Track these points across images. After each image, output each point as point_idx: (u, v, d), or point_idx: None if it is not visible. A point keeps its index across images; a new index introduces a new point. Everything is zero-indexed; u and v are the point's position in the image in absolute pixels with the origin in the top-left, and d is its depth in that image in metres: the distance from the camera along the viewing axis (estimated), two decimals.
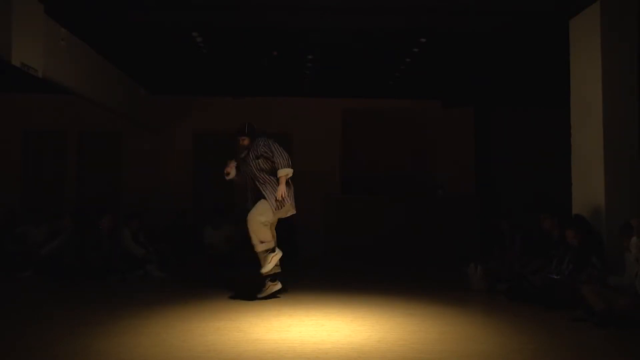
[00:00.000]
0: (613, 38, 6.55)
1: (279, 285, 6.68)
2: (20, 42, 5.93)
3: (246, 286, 6.77)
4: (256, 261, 6.66)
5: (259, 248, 6.55)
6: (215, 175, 11.79)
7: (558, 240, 6.79)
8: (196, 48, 8.64)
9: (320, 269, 9.68)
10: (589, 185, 6.79)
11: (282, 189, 6.44)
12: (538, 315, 5.82)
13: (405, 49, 8.75)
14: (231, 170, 6.77)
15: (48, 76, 6.82)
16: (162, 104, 11.87)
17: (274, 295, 6.60)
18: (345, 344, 4.56)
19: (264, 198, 6.53)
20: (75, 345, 4.44)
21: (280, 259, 6.68)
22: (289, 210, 6.68)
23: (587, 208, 6.70)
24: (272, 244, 6.62)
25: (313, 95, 11.82)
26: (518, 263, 7.32)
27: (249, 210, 6.62)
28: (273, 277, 6.67)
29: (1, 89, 11.17)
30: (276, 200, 6.48)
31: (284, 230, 7.49)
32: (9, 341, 4.64)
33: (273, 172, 6.55)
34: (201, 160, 12.08)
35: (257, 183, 6.59)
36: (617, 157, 6.51)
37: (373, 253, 10.84)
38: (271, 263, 6.57)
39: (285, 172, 6.49)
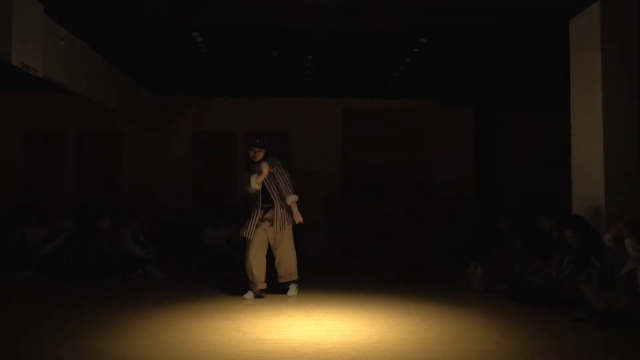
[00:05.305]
0: (613, 38, 6.55)
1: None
2: (20, 42, 5.93)
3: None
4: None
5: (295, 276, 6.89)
6: (215, 175, 12.01)
7: (558, 241, 6.79)
8: (196, 48, 8.64)
9: (321, 268, 9.67)
10: (589, 185, 6.78)
11: (299, 214, 6.72)
12: (538, 315, 5.82)
13: (405, 49, 8.75)
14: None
15: (48, 76, 6.82)
16: (162, 104, 11.88)
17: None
18: (345, 344, 4.56)
19: (283, 223, 6.68)
20: (76, 346, 4.44)
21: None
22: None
23: (587, 208, 6.70)
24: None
25: (313, 95, 11.82)
26: (518, 263, 7.32)
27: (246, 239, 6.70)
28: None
29: (1, 89, 11.17)
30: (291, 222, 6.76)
31: None
32: (9, 342, 4.64)
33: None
34: (201, 160, 12.09)
35: (279, 206, 6.65)
36: (617, 157, 6.50)
37: (373, 253, 10.84)
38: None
39: (295, 198, 6.74)
